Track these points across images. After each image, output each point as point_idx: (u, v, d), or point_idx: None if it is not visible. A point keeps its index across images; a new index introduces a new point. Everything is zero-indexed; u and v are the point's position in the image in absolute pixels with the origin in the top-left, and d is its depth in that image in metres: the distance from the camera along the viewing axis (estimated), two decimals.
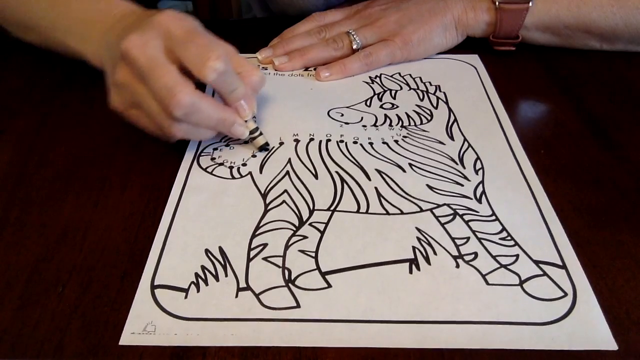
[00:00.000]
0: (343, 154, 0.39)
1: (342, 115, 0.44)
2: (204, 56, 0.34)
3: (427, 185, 0.36)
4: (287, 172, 0.38)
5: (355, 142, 0.40)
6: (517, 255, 0.31)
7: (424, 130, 0.42)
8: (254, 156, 0.40)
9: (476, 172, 0.38)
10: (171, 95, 0.34)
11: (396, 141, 0.41)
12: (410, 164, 0.38)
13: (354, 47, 0.48)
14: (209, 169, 0.39)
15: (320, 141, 0.41)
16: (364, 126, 0.42)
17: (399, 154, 0.39)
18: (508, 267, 0.31)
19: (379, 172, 0.38)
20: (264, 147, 0.40)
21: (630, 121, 0.42)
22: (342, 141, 0.41)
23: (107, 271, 0.32)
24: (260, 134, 0.40)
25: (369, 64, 0.48)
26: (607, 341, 0.27)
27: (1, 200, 0.37)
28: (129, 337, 0.28)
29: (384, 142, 0.40)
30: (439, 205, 0.35)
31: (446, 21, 0.49)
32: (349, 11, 0.52)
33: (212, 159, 0.40)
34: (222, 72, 0.35)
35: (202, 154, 0.40)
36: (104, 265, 0.32)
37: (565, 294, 0.29)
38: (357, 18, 0.50)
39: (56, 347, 0.28)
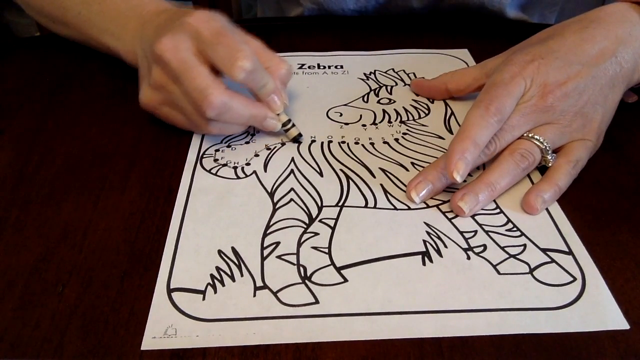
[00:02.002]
0: (346, 153, 0.40)
1: (341, 115, 0.44)
2: (233, 56, 0.35)
3: None
4: (292, 171, 0.38)
5: (356, 143, 0.41)
6: (525, 245, 0.33)
7: (423, 125, 0.43)
8: (256, 155, 0.40)
9: (477, 167, 0.39)
10: (203, 97, 0.35)
11: (396, 140, 0.41)
12: (412, 163, 0.39)
13: (550, 158, 0.37)
14: (213, 170, 0.39)
15: (322, 142, 0.41)
16: (364, 125, 0.43)
17: (401, 153, 0.40)
18: (517, 256, 0.32)
19: (382, 170, 0.38)
20: (297, 139, 0.41)
21: (630, 121, 0.43)
22: (343, 142, 0.41)
23: (107, 271, 0.31)
24: (293, 125, 0.41)
25: (575, 175, 0.37)
26: (618, 321, 0.28)
27: (1, 200, 0.37)
28: (150, 341, 0.28)
29: (384, 142, 0.41)
30: (444, 202, 0.36)
31: (623, 88, 0.39)
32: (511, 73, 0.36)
33: (215, 160, 0.40)
34: (251, 71, 0.35)
35: (205, 155, 0.40)
36: (104, 265, 0.32)
37: (575, 279, 0.31)
38: (530, 110, 0.36)
39: (56, 347, 0.28)
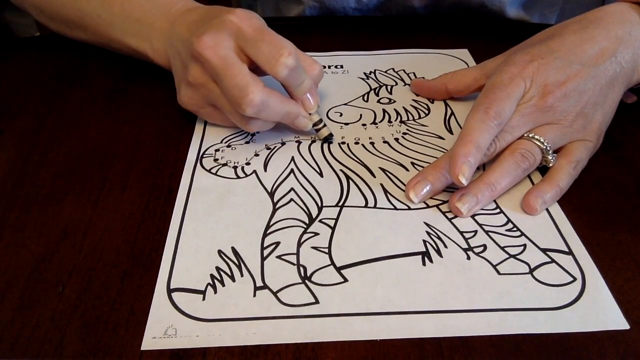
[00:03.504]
0: (346, 154, 0.40)
1: (341, 115, 0.44)
2: (277, 53, 0.35)
3: None
4: (292, 170, 0.38)
5: (356, 143, 0.41)
6: (525, 245, 0.33)
7: (423, 125, 0.43)
8: (256, 155, 0.40)
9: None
10: (243, 94, 0.35)
11: (396, 139, 0.41)
12: (412, 163, 0.39)
13: (550, 159, 0.36)
14: (213, 170, 0.39)
15: (322, 143, 0.41)
16: (364, 125, 0.43)
17: (401, 153, 0.40)
18: (517, 256, 0.32)
19: (382, 170, 0.38)
20: (328, 139, 0.41)
21: (630, 121, 0.43)
22: (343, 142, 0.41)
23: (107, 271, 0.32)
24: (324, 125, 0.41)
25: (576, 175, 0.37)
26: (618, 321, 0.28)
27: (1, 200, 0.37)
28: (150, 341, 0.28)
29: (384, 142, 0.41)
30: (444, 202, 0.36)
31: (622, 88, 0.39)
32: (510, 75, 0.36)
33: (215, 160, 0.40)
34: (293, 68, 0.36)
35: (205, 155, 0.40)
36: (104, 265, 0.32)
37: (575, 279, 0.31)
38: (530, 110, 0.36)
39: (56, 347, 0.28)
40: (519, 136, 0.37)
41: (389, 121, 0.43)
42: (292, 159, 0.39)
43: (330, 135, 0.41)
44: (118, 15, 0.45)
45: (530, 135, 0.36)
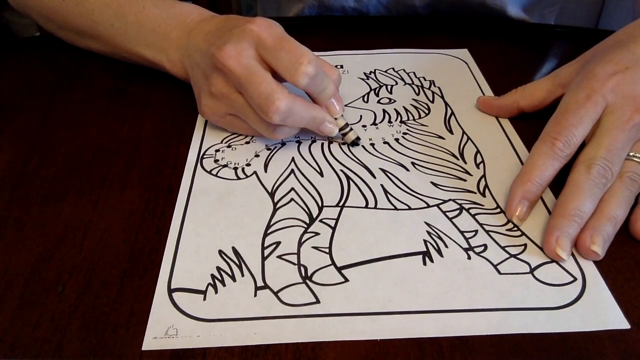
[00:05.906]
0: (346, 154, 0.40)
1: (341, 116, 0.44)
2: (297, 62, 0.35)
3: (432, 182, 0.37)
4: (292, 171, 0.38)
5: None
6: (525, 245, 0.33)
7: (423, 125, 0.43)
8: (257, 156, 0.40)
9: (477, 166, 0.39)
10: (270, 102, 0.35)
11: (397, 139, 0.41)
12: (413, 163, 0.39)
13: None
14: (214, 171, 0.39)
15: (323, 143, 0.41)
16: (364, 126, 0.43)
17: (401, 153, 0.40)
18: (517, 256, 0.32)
19: (383, 170, 0.38)
20: (355, 142, 0.41)
21: None
22: (344, 143, 0.41)
23: (107, 271, 0.32)
24: (351, 129, 0.40)
25: None
26: (619, 321, 0.28)
27: (1, 200, 0.37)
28: (151, 342, 0.28)
29: (385, 142, 0.41)
30: (444, 201, 0.36)
31: None
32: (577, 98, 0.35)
33: (216, 160, 0.40)
34: (314, 76, 0.36)
35: (205, 156, 0.40)
36: (104, 265, 0.32)
37: (575, 279, 0.31)
38: (627, 127, 0.34)
39: (56, 347, 0.28)
40: (624, 157, 0.34)
41: (389, 121, 0.43)
42: (293, 159, 0.39)
43: (358, 138, 0.41)
44: (132, 25, 0.45)
45: (632, 154, 0.34)
